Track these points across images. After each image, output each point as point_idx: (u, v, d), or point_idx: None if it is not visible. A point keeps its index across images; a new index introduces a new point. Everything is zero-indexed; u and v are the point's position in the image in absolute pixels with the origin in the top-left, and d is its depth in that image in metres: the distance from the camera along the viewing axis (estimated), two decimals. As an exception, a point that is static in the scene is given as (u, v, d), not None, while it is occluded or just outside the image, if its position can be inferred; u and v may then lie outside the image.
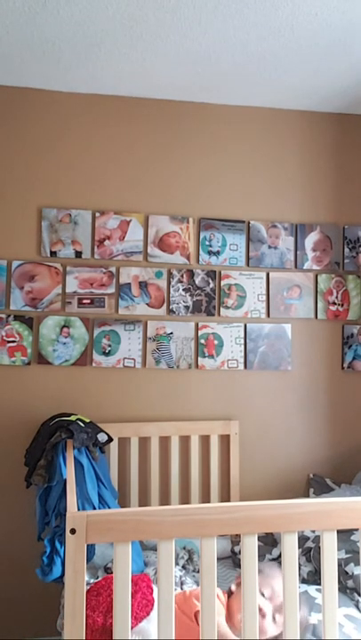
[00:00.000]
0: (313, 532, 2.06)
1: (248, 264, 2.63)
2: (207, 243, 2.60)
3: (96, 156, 2.54)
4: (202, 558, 1.21)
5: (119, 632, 1.17)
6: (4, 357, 2.42)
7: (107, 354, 2.49)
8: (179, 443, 2.48)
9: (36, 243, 2.49)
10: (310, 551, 2.02)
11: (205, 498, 2.51)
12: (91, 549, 1.87)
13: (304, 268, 2.66)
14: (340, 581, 1.82)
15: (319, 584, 1.67)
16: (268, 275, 2.63)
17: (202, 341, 2.56)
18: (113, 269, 2.52)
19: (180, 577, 1.91)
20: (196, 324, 2.57)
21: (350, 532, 2.02)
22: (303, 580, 1.93)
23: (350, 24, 1.99)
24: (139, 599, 1.67)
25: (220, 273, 2.60)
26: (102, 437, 2.18)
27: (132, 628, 1.58)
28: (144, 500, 2.43)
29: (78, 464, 1.97)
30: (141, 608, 1.64)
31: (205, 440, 2.53)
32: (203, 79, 2.41)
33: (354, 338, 2.68)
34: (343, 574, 1.85)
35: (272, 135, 2.68)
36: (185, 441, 2.51)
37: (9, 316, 2.44)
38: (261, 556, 2.09)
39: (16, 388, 2.43)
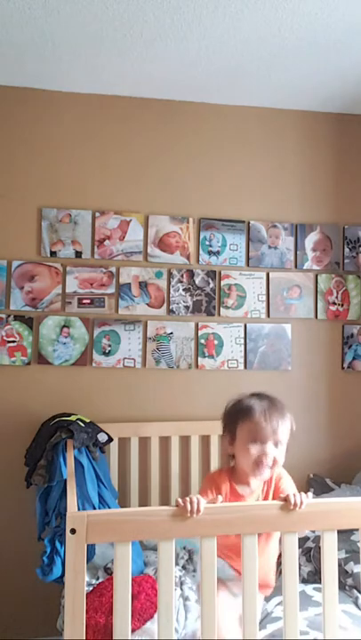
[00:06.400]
0: (313, 531, 2.06)
1: (248, 264, 2.62)
2: (207, 243, 2.60)
3: (96, 155, 2.54)
4: (202, 558, 1.21)
5: (119, 632, 1.17)
6: (4, 357, 2.42)
7: (107, 354, 2.49)
8: (179, 443, 2.48)
9: (36, 243, 2.49)
10: (310, 551, 2.02)
11: (205, 498, 2.50)
12: (91, 549, 1.87)
13: (304, 268, 2.66)
14: (339, 580, 1.82)
15: (319, 584, 1.67)
16: (268, 275, 2.63)
17: (202, 341, 2.56)
18: (113, 269, 2.52)
19: (180, 577, 1.91)
20: (196, 324, 2.57)
21: (350, 531, 2.02)
22: (303, 580, 1.93)
23: (350, 24, 1.99)
24: (142, 600, 1.66)
25: (220, 273, 2.60)
26: (102, 437, 2.18)
27: (136, 628, 1.58)
28: (144, 500, 2.42)
29: (78, 464, 1.97)
30: (145, 610, 1.64)
31: (205, 440, 2.53)
32: (202, 79, 2.41)
33: (354, 338, 2.68)
34: (343, 573, 1.85)
35: (272, 135, 2.68)
36: (185, 441, 2.50)
37: (9, 316, 2.43)
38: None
39: (16, 388, 2.43)
